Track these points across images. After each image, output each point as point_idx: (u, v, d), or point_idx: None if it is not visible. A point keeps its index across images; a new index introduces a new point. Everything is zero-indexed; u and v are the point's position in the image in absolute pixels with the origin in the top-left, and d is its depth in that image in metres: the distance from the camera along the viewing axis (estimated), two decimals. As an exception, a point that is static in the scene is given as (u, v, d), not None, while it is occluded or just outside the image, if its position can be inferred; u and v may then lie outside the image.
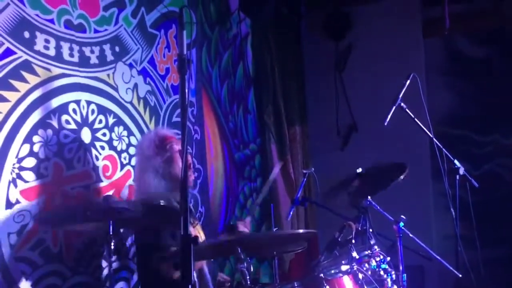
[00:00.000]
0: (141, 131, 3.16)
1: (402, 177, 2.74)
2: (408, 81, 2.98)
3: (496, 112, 4.54)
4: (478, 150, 4.55)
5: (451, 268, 2.86)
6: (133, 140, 3.09)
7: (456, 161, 3.05)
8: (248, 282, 1.89)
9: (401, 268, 2.67)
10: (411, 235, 2.76)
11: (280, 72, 4.58)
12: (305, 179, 3.21)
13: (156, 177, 2.62)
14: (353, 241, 2.39)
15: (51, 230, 2.44)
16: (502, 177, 4.49)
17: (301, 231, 2.45)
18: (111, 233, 2.00)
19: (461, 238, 3.08)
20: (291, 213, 3.21)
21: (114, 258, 2.81)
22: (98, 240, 2.68)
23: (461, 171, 3.03)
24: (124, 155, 3.02)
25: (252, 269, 1.92)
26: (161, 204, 2.32)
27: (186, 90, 1.71)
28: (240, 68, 4.28)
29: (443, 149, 2.98)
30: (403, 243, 2.73)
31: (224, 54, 4.10)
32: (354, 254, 2.38)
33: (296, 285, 2.13)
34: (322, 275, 2.22)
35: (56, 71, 2.65)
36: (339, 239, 2.39)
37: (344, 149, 4.91)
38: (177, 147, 2.73)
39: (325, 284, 2.16)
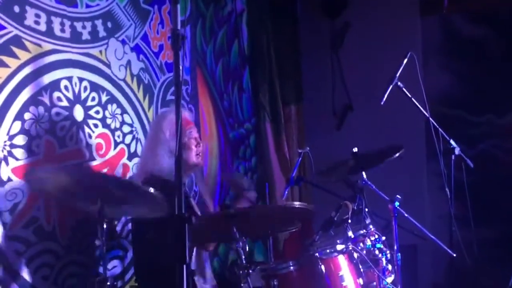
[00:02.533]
0: (134, 109, 3.12)
1: (397, 154, 2.73)
2: (406, 60, 2.95)
3: (491, 92, 4.52)
4: (472, 130, 4.54)
5: (445, 247, 2.87)
6: (127, 118, 3.05)
7: (452, 141, 3.03)
8: (244, 262, 1.88)
9: (395, 247, 2.67)
10: (406, 214, 2.75)
11: (275, 50, 4.52)
12: (300, 158, 3.19)
13: (169, 157, 2.61)
14: (349, 220, 2.39)
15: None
16: (496, 157, 4.48)
17: (296, 204, 2.40)
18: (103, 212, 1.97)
19: (455, 218, 3.08)
20: (286, 192, 3.20)
21: (106, 236, 2.79)
22: (91, 218, 2.66)
23: (457, 151, 3.02)
24: (117, 133, 2.98)
25: (247, 248, 1.91)
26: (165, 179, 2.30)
27: (180, 67, 1.67)
28: (235, 46, 4.22)
29: (439, 129, 2.96)
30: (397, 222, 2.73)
31: (219, 31, 4.04)
32: (350, 233, 2.38)
33: (291, 264, 2.12)
34: (317, 254, 2.21)
35: (47, 46, 2.60)
36: (335, 219, 2.38)
37: (339, 128, 4.88)
38: (195, 134, 2.78)
39: (320, 263, 2.16)
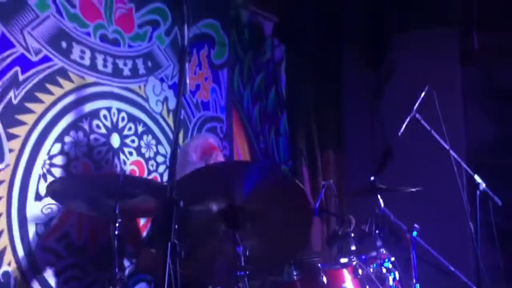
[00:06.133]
0: (169, 141, 3.33)
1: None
2: (423, 93, 3.03)
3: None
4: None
5: (466, 280, 2.80)
6: (161, 149, 3.27)
7: (476, 176, 3.02)
8: (242, 264, 1.95)
9: (414, 280, 2.65)
10: (423, 243, 2.74)
11: (315, 96, 4.67)
12: (324, 189, 3.25)
13: None
14: (352, 234, 2.42)
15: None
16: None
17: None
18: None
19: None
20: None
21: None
22: (122, 238, 2.82)
23: (481, 187, 3.00)
24: (151, 162, 3.19)
25: (248, 252, 1.97)
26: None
27: (188, 80, 1.86)
28: (272, 91, 4.42)
29: (462, 163, 2.97)
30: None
31: (256, 77, 4.27)
32: (353, 247, 2.41)
33: (295, 274, 2.17)
34: (319, 265, 2.25)
35: (90, 79, 2.90)
36: (340, 233, 2.42)
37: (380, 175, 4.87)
38: (220, 158, 2.88)
39: (322, 274, 2.20)
